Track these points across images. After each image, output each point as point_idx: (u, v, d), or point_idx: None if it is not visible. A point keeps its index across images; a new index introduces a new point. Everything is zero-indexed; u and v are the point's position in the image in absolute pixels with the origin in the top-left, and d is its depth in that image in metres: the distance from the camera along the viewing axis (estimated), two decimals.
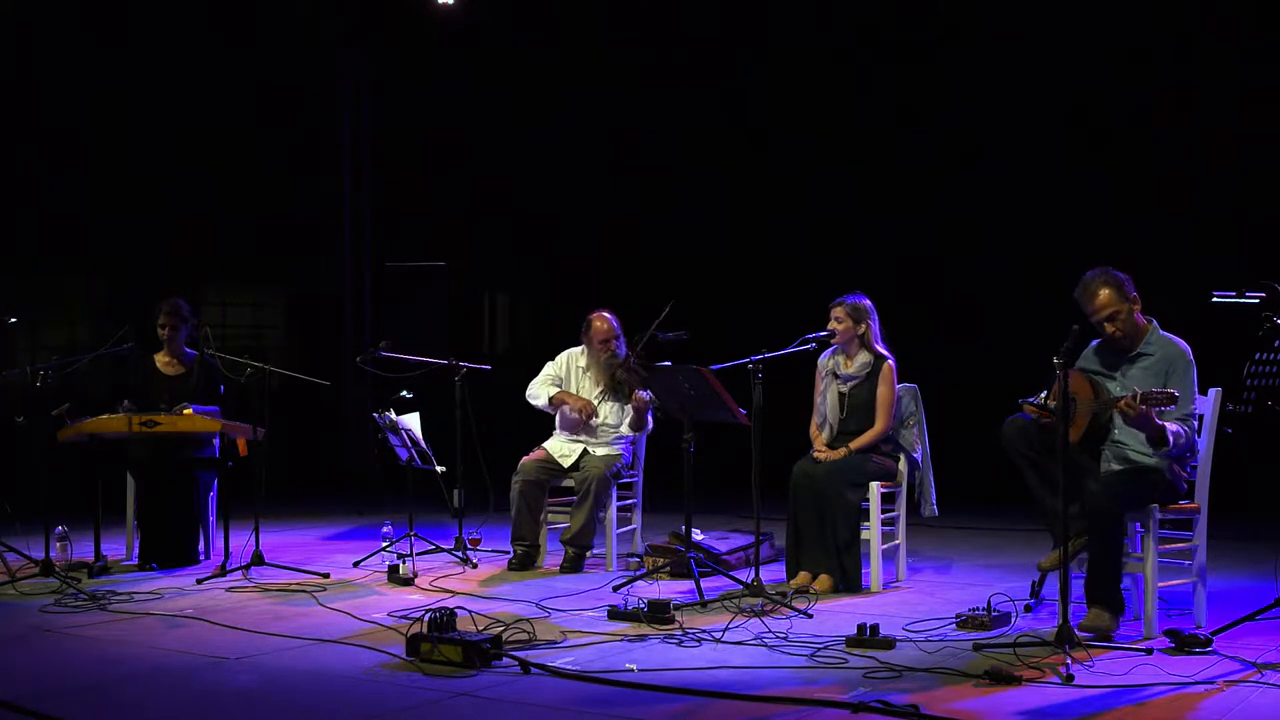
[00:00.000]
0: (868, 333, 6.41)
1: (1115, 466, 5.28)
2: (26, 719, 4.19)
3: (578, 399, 7.02)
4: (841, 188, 9.99)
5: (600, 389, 7.08)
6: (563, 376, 7.17)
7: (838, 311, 6.39)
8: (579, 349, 7.19)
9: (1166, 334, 5.32)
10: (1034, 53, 9.22)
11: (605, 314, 7.10)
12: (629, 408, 7.00)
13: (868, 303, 6.43)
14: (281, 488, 7.97)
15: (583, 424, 6.99)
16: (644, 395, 6.82)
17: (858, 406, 6.40)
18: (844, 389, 6.44)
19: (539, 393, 7.13)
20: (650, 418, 7.02)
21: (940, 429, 6.67)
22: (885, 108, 9.86)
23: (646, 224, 10.73)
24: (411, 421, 7.16)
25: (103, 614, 5.76)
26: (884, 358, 6.40)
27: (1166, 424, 5.04)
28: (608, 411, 7.08)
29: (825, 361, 6.53)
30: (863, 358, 6.42)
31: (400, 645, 4.95)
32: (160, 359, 7.32)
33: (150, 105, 10.12)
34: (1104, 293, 5.27)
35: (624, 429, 7.06)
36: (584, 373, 7.16)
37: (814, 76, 10.08)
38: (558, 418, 7.16)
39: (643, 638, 5.22)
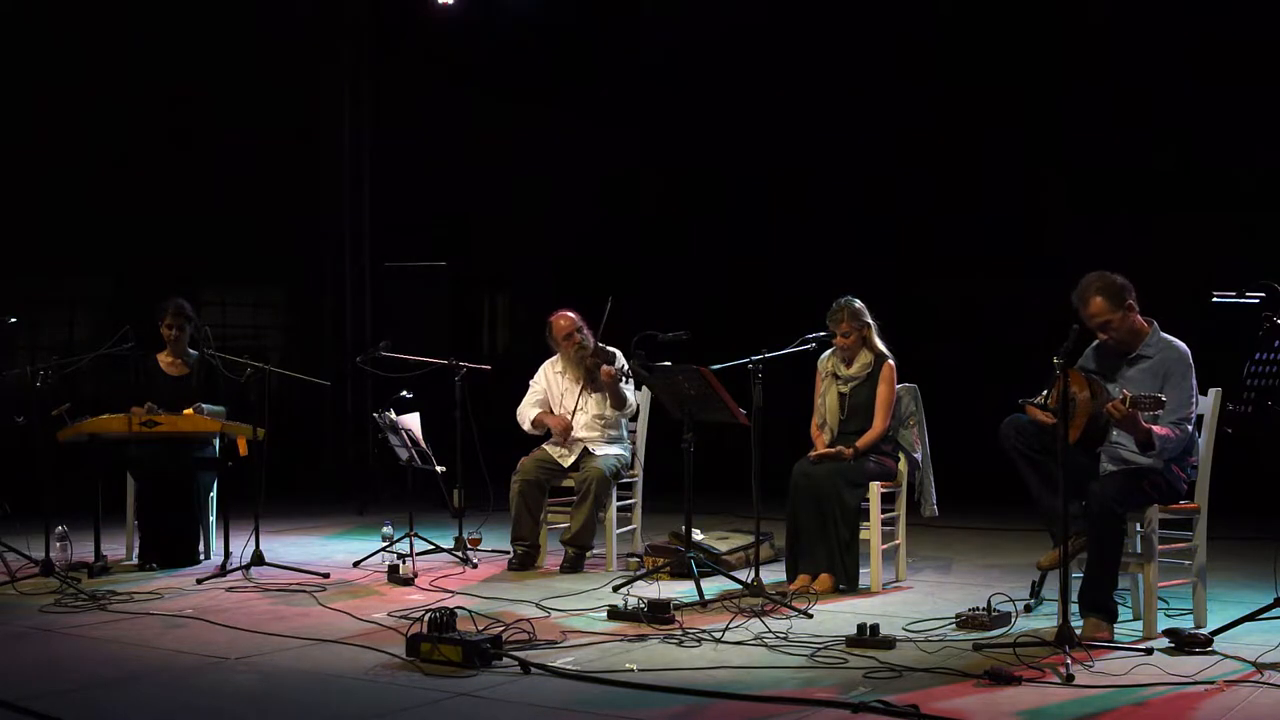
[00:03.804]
0: (869, 332, 6.42)
1: (1111, 467, 5.28)
2: (26, 719, 4.19)
3: (555, 419, 7.06)
4: (841, 187, 9.99)
5: (580, 385, 7.10)
6: (545, 388, 7.21)
7: (843, 327, 6.35)
8: (553, 358, 7.25)
9: (1167, 336, 5.31)
10: (1033, 52, 9.23)
11: (564, 311, 7.17)
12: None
13: (860, 304, 6.42)
14: (281, 488, 7.97)
15: (565, 439, 7.02)
16: (610, 369, 6.86)
17: (858, 407, 6.40)
18: (844, 389, 6.44)
19: (523, 417, 7.20)
20: (631, 393, 7.05)
21: (940, 429, 6.67)
22: (885, 106, 9.85)
23: (646, 223, 10.73)
24: (411, 421, 7.17)
25: (103, 614, 5.76)
26: (885, 357, 6.40)
27: (1154, 428, 5.04)
28: (594, 403, 7.10)
29: (825, 362, 6.53)
30: (864, 359, 6.42)
31: (400, 645, 4.95)
32: (164, 359, 7.33)
33: (150, 105, 10.12)
34: (1096, 301, 5.26)
35: (609, 412, 7.08)
36: (562, 376, 7.19)
37: (813, 76, 10.07)
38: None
39: (643, 638, 5.22)
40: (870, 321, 6.42)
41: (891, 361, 6.39)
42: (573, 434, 7.06)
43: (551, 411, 7.20)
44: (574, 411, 7.08)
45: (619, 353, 6.96)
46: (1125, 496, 5.11)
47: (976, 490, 7.67)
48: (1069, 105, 9.25)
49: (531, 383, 7.29)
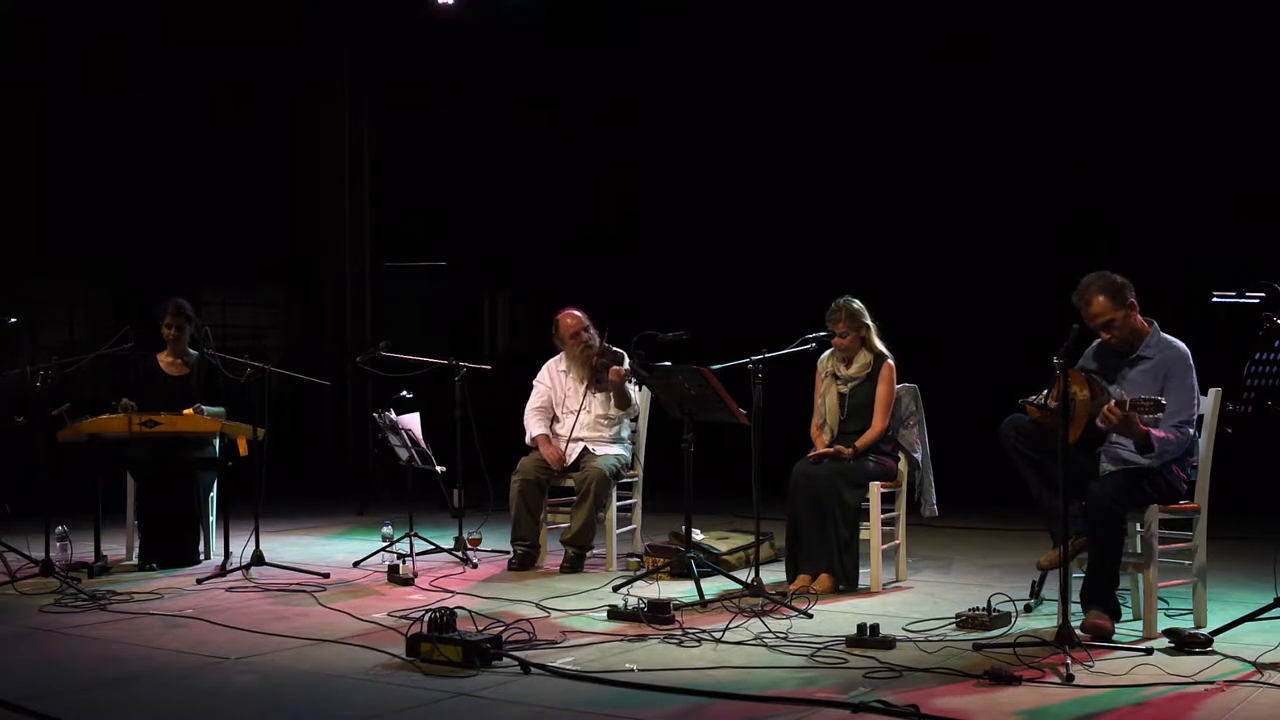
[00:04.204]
0: (868, 333, 6.42)
1: (1111, 467, 5.28)
2: (26, 719, 4.19)
3: (549, 448, 7.03)
4: (841, 186, 9.98)
5: (585, 385, 7.10)
6: (549, 388, 7.20)
7: (840, 327, 6.35)
8: (556, 358, 7.25)
9: (1167, 336, 5.31)
10: (1032, 52, 9.23)
11: (571, 310, 7.18)
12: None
13: (858, 304, 6.42)
14: (281, 488, 7.97)
15: (557, 467, 7.01)
16: (620, 369, 6.87)
17: (858, 407, 6.39)
18: (844, 389, 6.44)
19: (529, 425, 7.19)
20: (635, 393, 7.04)
21: (940, 429, 6.66)
22: (885, 106, 9.85)
23: (646, 223, 10.73)
24: (411, 421, 7.17)
25: (103, 614, 5.76)
26: (884, 357, 6.40)
27: (1154, 431, 5.03)
28: (597, 403, 7.10)
29: (824, 362, 6.53)
30: (863, 359, 6.42)
31: (400, 645, 4.95)
32: (164, 359, 7.33)
33: (150, 104, 10.12)
34: (1099, 300, 5.26)
35: (613, 411, 7.08)
36: (566, 375, 7.19)
37: (813, 75, 10.07)
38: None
39: (643, 638, 5.22)
40: (869, 322, 6.42)
41: (891, 361, 6.39)
42: (575, 434, 7.05)
43: (555, 415, 7.20)
44: (578, 411, 7.07)
45: (625, 353, 6.96)
46: (1124, 496, 5.11)
47: (976, 490, 7.68)
48: (1069, 103, 9.24)
49: (535, 382, 7.29)
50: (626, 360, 6.92)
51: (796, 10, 10.04)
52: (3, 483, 7.59)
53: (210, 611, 5.79)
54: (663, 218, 10.70)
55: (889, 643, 4.95)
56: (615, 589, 6.19)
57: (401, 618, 5.52)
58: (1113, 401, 4.94)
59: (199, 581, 6.46)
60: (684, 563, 6.18)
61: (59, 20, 9.76)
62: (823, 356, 6.53)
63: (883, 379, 6.36)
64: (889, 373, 6.36)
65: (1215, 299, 5.22)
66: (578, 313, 7.17)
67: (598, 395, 7.10)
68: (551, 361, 7.30)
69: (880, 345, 6.43)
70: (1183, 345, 5.27)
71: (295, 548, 7.78)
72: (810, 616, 5.55)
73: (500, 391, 7.84)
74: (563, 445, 7.03)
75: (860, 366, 6.41)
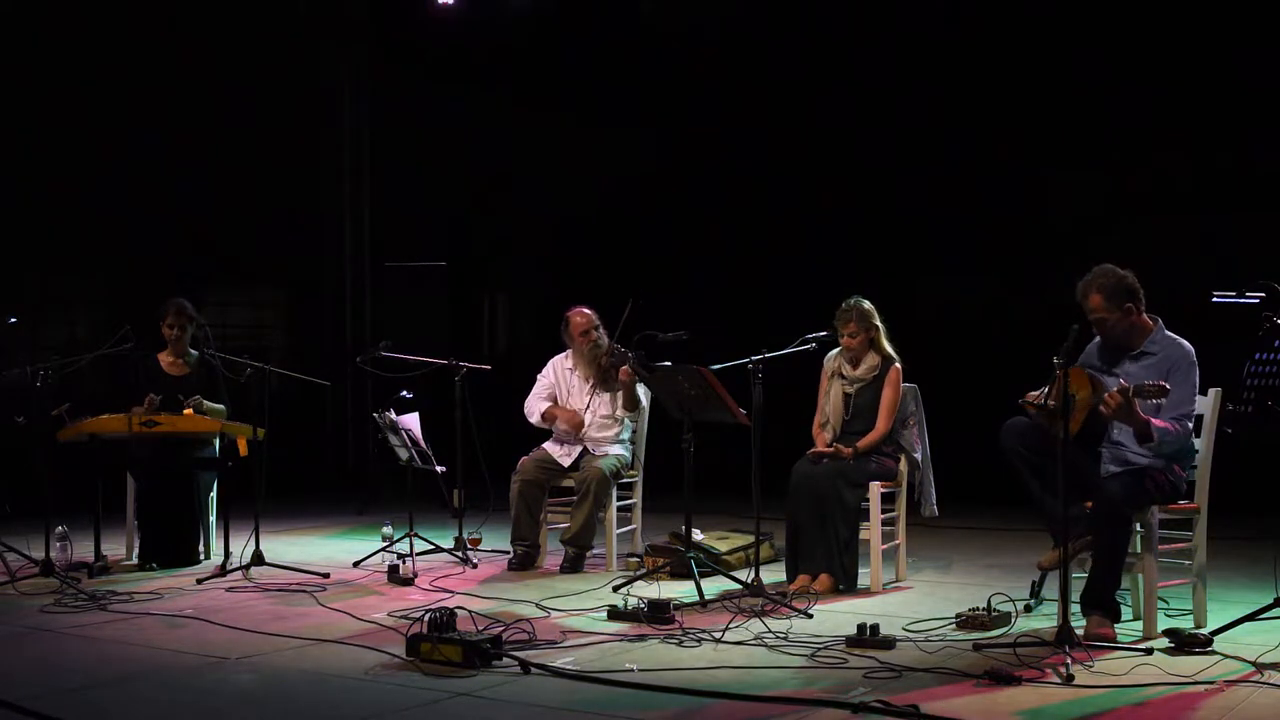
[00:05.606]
0: (878, 335, 6.40)
1: (1115, 468, 5.28)
2: (26, 719, 4.19)
3: (566, 412, 7.06)
4: (842, 186, 9.98)
5: (590, 384, 7.10)
6: (554, 383, 7.21)
7: (850, 328, 6.33)
8: (563, 354, 7.24)
9: (1170, 334, 5.31)
10: (1033, 51, 9.23)
11: (582, 308, 7.18)
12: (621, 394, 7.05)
13: (869, 305, 6.41)
14: (281, 488, 7.97)
15: (574, 435, 7.02)
16: (628, 370, 6.87)
17: (863, 409, 6.38)
18: (850, 390, 6.43)
19: (532, 410, 7.19)
20: (644, 396, 7.05)
21: (940, 429, 6.66)
22: (885, 104, 9.85)
23: (646, 223, 10.73)
24: (411, 421, 7.17)
25: (103, 614, 5.76)
26: (892, 360, 6.38)
27: (1154, 420, 5.03)
28: (602, 403, 7.10)
29: (830, 362, 6.52)
30: (871, 360, 6.40)
31: (400, 645, 4.95)
32: (165, 358, 7.33)
33: (150, 104, 10.12)
34: (1095, 297, 5.27)
35: (619, 412, 7.08)
36: (572, 372, 7.19)
37: (812, 74, 10.07)
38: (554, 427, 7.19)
39: (643, 638, 5.22)
40: (879, 324, 6.39)
41: (898, 365, 6.37)
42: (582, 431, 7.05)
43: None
44: (583, 410, 7.08)
45: (629, 354, 6.93)
46: (1132, 496, 5.11)
47: (976, 490, 7.68)
48: (1069, 104, 9.24)
49: (539, 376, 7.28)
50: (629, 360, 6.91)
51: (796, 8, 10.03)
52: (3, 483, 7.58)
53: (210, 611, 5.79)
54: (663, 217, 10.70)
55: (889, 643, 4.95)
56: (615, 589, 6.19)
57: (401, 618, 5.52)
58: (1115, 388, 4.94)
59: (199, 581, 6.46)
60: (684, 563, 6.18)
61: (59, 19, 9.76)
62: (830, 354, 6.51)
63: (889, 382, 6.34)
64: (896, 376, 6.35)
65: (1215, 299, 5.22)
66: (587, 310, 7.17)
67: (603, 395, 7.10)
68: (558, 357, 7.29)
69: (889, 347, 6.41)
70: (1187, 344, 5.28)
71: (295, 548, 7.78)
72: (810, 616, 5.55)
73: (500, 391, 7.84)
74: (575, 437, 7.02)
75: (868, 368, 6.39)
